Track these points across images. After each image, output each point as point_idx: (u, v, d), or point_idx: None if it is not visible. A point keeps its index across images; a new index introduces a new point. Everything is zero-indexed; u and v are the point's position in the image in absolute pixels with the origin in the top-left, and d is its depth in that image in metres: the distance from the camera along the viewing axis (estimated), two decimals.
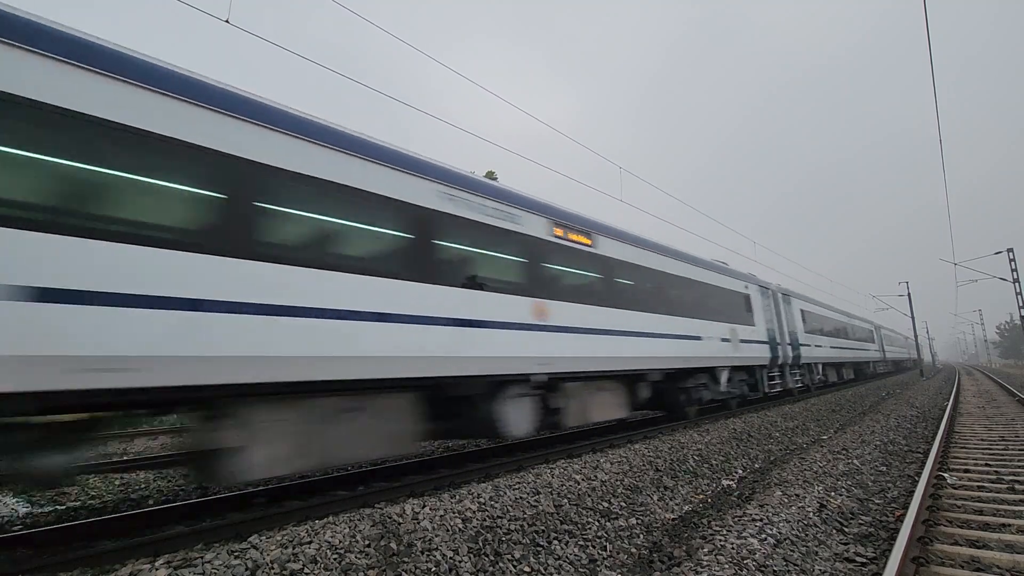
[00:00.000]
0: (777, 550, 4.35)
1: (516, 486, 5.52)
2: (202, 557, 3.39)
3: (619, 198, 13.04)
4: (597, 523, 5.04)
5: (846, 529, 4.99)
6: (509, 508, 4.90)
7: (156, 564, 3.30)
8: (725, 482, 7.12)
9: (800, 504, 5.54)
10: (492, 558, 4.09)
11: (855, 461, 7.75)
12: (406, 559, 3.80)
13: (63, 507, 6.35)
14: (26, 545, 4.67)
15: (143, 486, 7.44)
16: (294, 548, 3.62)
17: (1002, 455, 7.92)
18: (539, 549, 4.37)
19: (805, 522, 5.02)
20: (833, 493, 6.05)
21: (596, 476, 6.22)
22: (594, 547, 4.60)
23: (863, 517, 5.34)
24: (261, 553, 3.49)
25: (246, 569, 3.30)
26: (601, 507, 5.42)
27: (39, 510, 6.22)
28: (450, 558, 3.94)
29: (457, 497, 5.03)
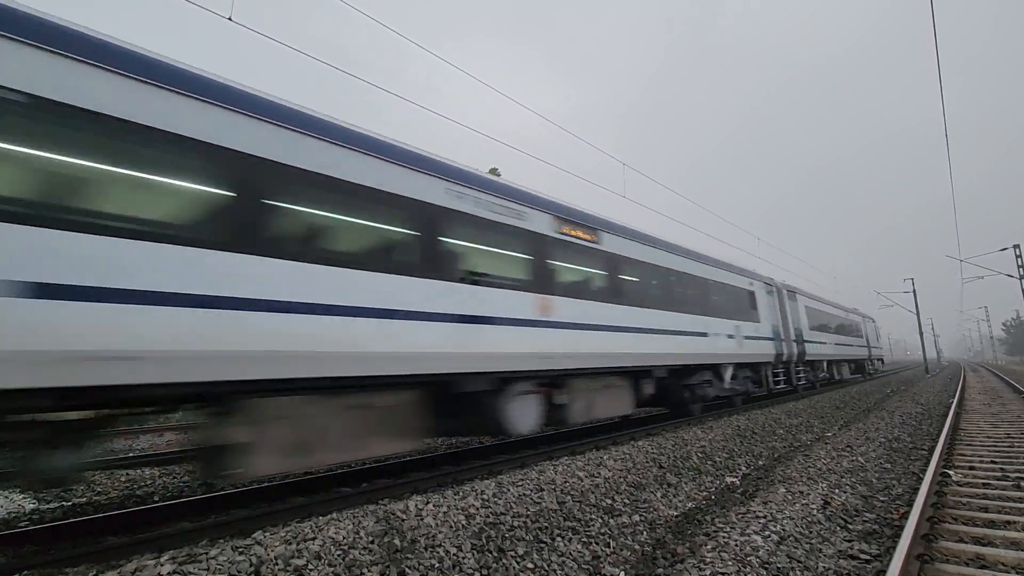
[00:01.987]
0: (781, 547, 4.34)
1: (519, 483, 5.53)
2: (207, 553, 3.41)
3: (622, 194, 13.01)
4: (600, 520, 5.04)
5: (850, 526, 4.98)
6: (512, 505, 4.91)
7: (161, 560, 3.32)
8: (729, 479, 7.11)
9: (804, 501, 5.53)
10: (495, 554, 4.10)
11: (859, 458, 7.73)
12: (410, 555, 3.81)
13: (69, 503, 6.40)
14: (32, 541, 4.71)
15: (148, 483, 7.48)
16: (298, 544, 3.64)
17: (1008, 452, 7.88)
18: (542, 546, 4.37)
19: (809, 519, 5.00)
20: (837, 490, 6.03)
21: (599, 473, 6.22)
22: (597, 544, 4.60)
23: (867, 514, 5.32)
24: (265, 549, 3.51)
25: (250, 565, 3.32)
26: (604, 504, 5.42)
27: (45, 506, 6.27)
28: (453, 554, 3.95)
29: (460, 494, 5.04)
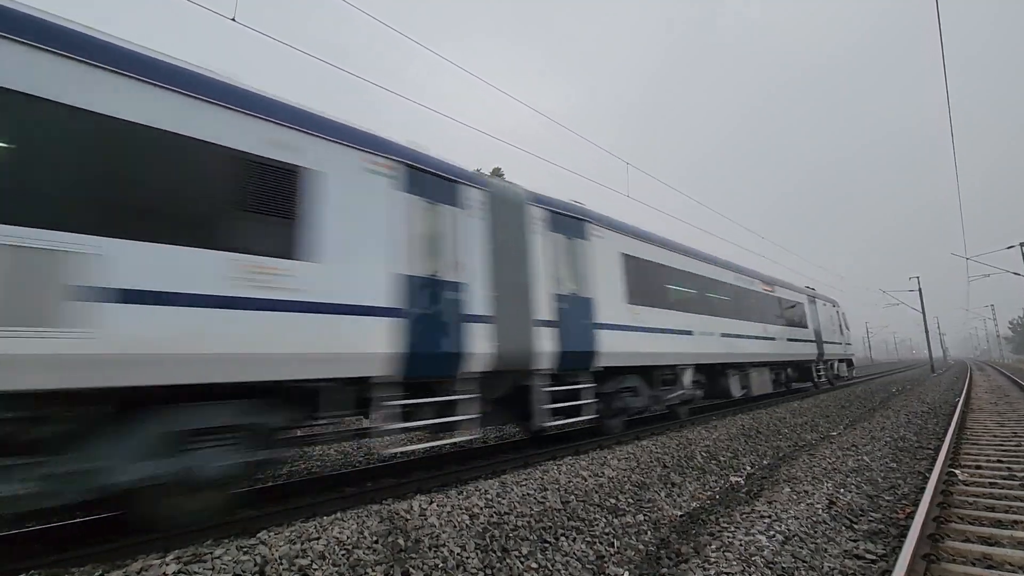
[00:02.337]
0: (786, 547, 4.33)
1: (523, 483, 5.53)
2: (211, 553, 3.42)
3: (626, 194, 12.99)
4: (604, 519, 5.04)
5: (856, 526, 4.96)
6: (516, 504, 4.90)
7: (166, 559, 3.33)
8: (733, 479, 7.09)
9: (809, 501, 5.51)
10: (499, 554, 4.10)
11: (865, 457, 7.70)
12: (414, 555, 3.81)
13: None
14: (40, 541, 4.73)
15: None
16: (302, 544, 3.65)
17: (1015, 451, 7.83)
18: (546, 545, 4.37)
19: (814, 519, 4.99)
20: (843, 490, 6.01)
21: (603, 473, 6.21)
22: (601, 543, 4.59)
23: (873, 514, 5.29)
24: (270, 549, 3.52)
25: (255, 565, 3.33)
26: (608, 504, 5.41)
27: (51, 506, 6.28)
28: (457, 554, 3.95)
29: (464, 493, 5.04)
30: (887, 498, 5.86)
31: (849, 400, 16.34)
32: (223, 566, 3.27)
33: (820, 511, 5.20)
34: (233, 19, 6.40)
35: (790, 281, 19.04)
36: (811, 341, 18.96)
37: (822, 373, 20.36)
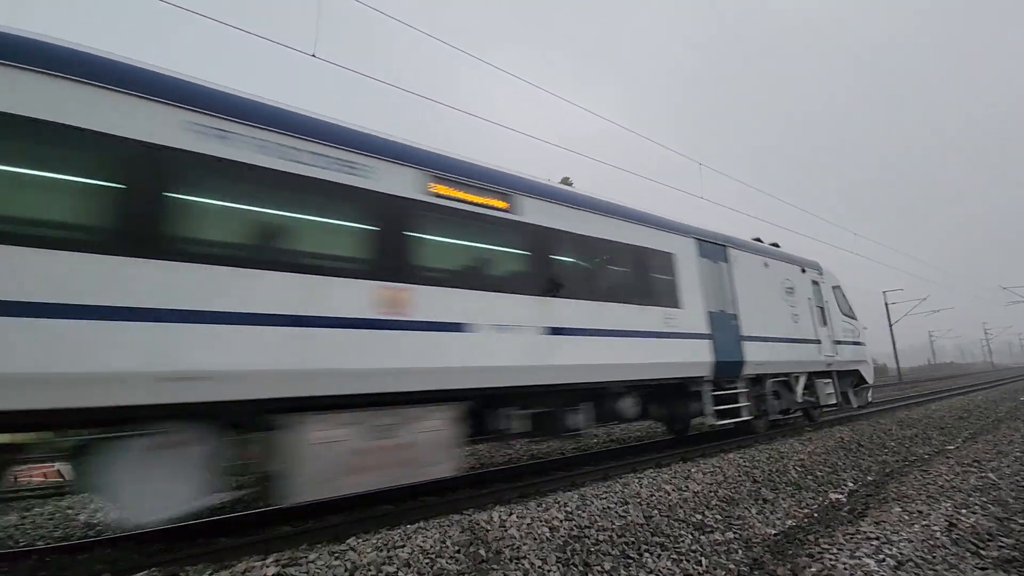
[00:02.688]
0: (899, 573, 3.93)
1: (603, 495, 5.41)
2: (306, 557, 3.61)
3: (699, 195, 12.52)
4: (690, 536, 4.81)
5: (983, 552, 4.41)
6: (596, 518, 4.80)
7: (267, 561, 3.55)
8: (833, 496, 6.55)
9: (924, 522, 4.97)
10: (581, 568, 4.02)
11: (991, 475, 6.85)
12: (495, 566, 3.82)
13: None
14: (159, 541, 5.21)
15: (254, 487, 8.01)
16: (388, 551, 3.76)
17: None
18: (629, 561, 4.23)
19: (931, 542, 4.49)
20: (964, 510, 5.37)
21: (687, 487, 5.96)
22: (688, 561, 4.39)
23: (1004, 539, 4.68)
24: (358, 555, 3.66)
25: (345, 570, 3.47)
26: (694, 519, 5.17)
27: None
28: (539, 567, 3.92)
29: (543, 505, 5.01)
30: (1021, 521, 5.17)
31: (967, 410, 14.68)
32: (317, 570, 3.44)
33: (938, 534, 4.67)
34: (313, 55, 6.87)
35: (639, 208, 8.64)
36: (695, 336, 8.57)
37: (744, 404, 9.18)
